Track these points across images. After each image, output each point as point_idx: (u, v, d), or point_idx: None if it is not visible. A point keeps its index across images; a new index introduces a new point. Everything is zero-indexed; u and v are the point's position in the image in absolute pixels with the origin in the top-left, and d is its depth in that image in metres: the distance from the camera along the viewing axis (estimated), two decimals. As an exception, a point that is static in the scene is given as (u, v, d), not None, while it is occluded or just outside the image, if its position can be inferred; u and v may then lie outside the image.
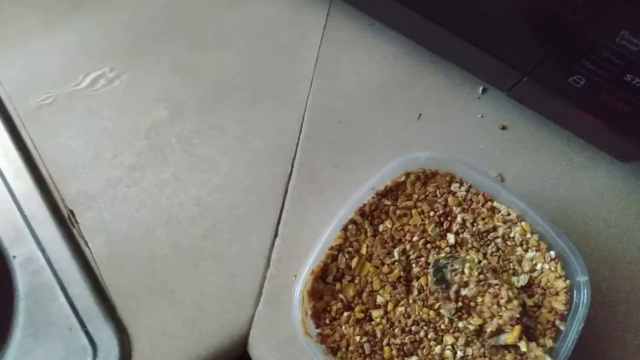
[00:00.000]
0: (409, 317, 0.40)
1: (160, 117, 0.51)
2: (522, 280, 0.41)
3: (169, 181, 0.49)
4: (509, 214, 0.43)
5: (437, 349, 0.40)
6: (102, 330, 0.43)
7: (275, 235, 0.47)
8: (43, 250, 0.46)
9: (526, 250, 0.42)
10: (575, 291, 0.40)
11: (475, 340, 0.39)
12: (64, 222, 0.47)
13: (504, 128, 0.50)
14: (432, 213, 0.43)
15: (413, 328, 0.40)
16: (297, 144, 0.50)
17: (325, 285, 0.41)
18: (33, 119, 0.51)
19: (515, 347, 0.39)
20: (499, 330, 0.38)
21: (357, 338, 0.40)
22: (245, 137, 0.50)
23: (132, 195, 0.48)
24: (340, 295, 0.41)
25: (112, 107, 0.52)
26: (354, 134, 0.50)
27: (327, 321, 0.41)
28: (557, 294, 0.41)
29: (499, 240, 0.42)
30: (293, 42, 0.55)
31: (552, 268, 0.41)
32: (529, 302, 0.40)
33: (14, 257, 0.46)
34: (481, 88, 0.51)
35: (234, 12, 0.56)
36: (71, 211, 0.47)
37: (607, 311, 0.44)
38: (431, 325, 0.40)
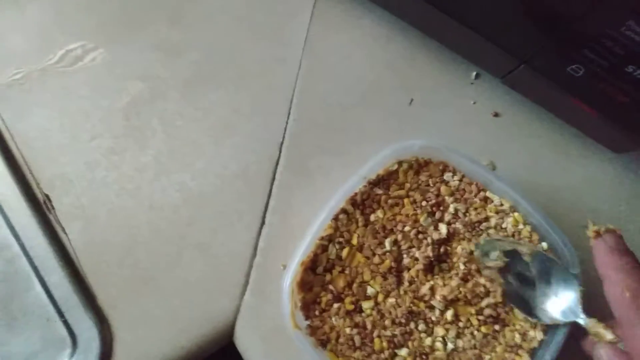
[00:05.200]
0: (400, 309, 0.40)
1: (140, 97, 0.49)
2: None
3: (150, 165, 0.47)
4: (501, 205, 0.42)
5: (428, 340, 0.39)
6: (82, 320, 0.42)
7: (262, 223, 0.45)
8: (17, 237, 0.44)
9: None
10: (566, 283, 0.40)
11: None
12: (39, 207, 0.45)
13: (496, 115, 0.49)
14: (424, 203, 0.42)
15: (403, 320, 0.39)
16: (285, 128, 0.48)
17: (315, 276, 0.40)
18: (3, 96, 0.48)
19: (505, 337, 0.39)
20: None
21: (347, 330, 0.39)
22: (230, 120, 0.48)
23: (111, 180, 0.46)
24: (330, 287, 0.40)
25: (89, 85, 0.49)
26: (343, 118, 0.48)
27: (317, 313, 0.40)
28: (547, 285, 0.40)
29: (491, 231, 0.42)
30: (281, 21, 0.52)
31: (544, 259, 0.41)
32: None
33: (-14, 244, 0.43)
34: (474, 73, 0.50)
35: (219, -14, 0.53)
36: (47, 196, 0.45)
37: (596, 303, 0.44)
38: (422, 316, 0.40)
